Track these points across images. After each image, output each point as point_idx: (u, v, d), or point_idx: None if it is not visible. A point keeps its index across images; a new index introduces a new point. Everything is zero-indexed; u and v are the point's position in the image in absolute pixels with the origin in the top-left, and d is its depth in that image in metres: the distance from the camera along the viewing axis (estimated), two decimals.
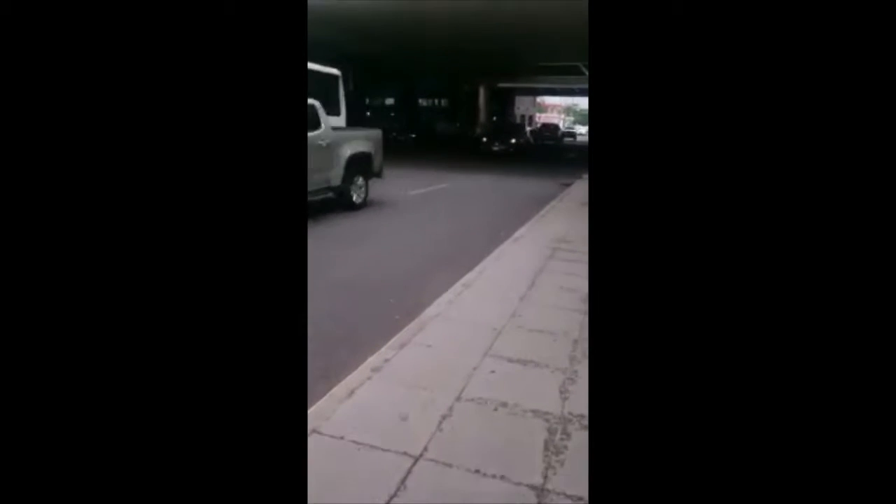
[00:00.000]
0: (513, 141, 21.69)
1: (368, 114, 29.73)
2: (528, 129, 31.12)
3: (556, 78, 31.20)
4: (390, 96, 31.96)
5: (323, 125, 6.52)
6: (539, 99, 53.90)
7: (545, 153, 23.81)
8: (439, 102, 36.04)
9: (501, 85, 35.45)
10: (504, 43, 17.92)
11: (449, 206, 8.26)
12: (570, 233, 5.91)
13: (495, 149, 21.12)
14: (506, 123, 31.79)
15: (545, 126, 37.49)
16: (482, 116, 36.72)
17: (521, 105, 48.12)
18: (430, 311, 3.33)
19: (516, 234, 5.84)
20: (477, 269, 4.38)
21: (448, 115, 32.20)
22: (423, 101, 37.14)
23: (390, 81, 28.57)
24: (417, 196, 9.12)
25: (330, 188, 6.76)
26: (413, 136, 25.62)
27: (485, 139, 22.16)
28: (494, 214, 7.66)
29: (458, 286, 3.86)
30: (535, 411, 2.15)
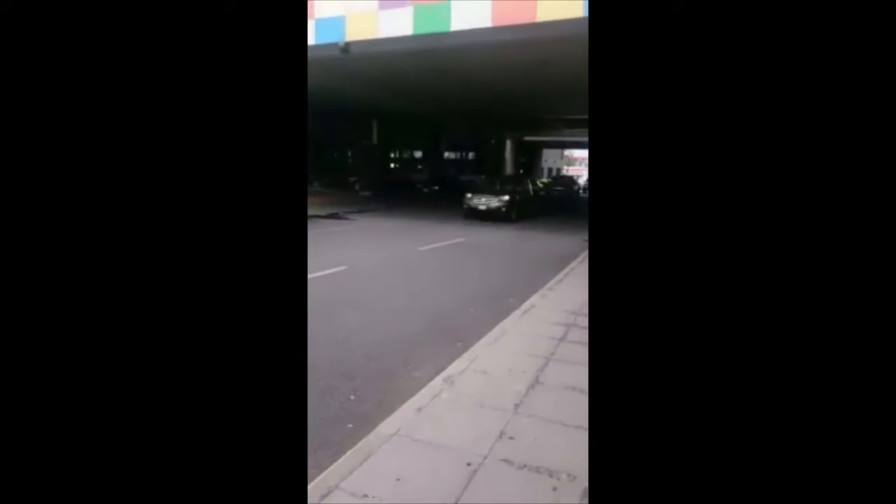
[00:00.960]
0: (505, 198, 14.36)
1: (394, 165, 29.81)
2: (540, 180, 28.23)
3: (583, 131, 30.92)
4: (417, 148, 32.05)
5: None
6: (567, 152, 53.72)
7: (565, 208, 22.51)
8: (466, 155, 36.05)
9: (528, 138, 35.32)
10: (528, 98, 17.70)
11: (457, 265, 7.48)
12: (588, 304, 5.00)
13: (481, 208, 14.19)
14: (499, 174, 24.76)
15: (559, 179, 34.11)
16: (508, 168, 36.52)
17: (549, 158, 48.01)
18: (389, 423, 2.47)
19: (527, 304, 4.99)
20: (469, 353, 3.52)
21: (475, 167, 31.99)
22: (450, 154, 37.32)
23: (418, 135, 28.64)
24: (426, 252, 8.38)
25: None
26: (437, 187, 25.26)
27: (468, 195, 14.80)
28: (507, 275, 6.83)
29: (437, 382, 3.00)
30: None
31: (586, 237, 11.38)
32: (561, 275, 6.51)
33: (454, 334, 4.15)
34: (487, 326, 4.19)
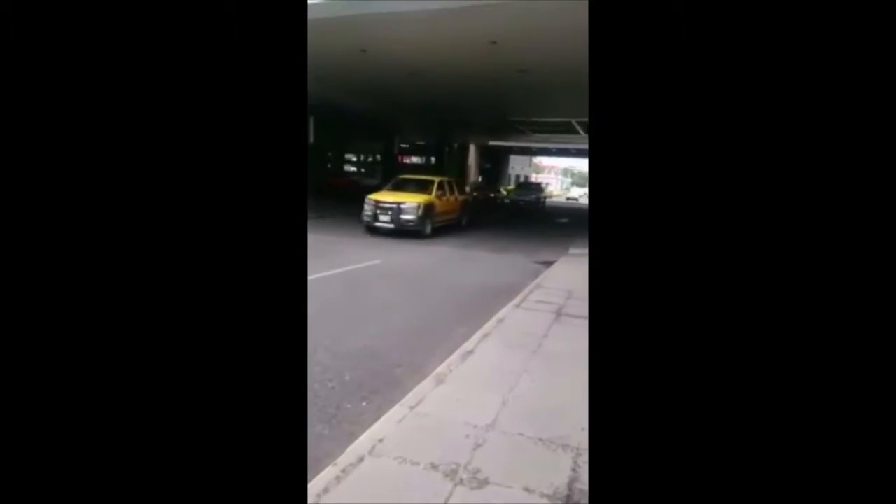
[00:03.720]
0: (408, 218, 10.17)
1: (347, 169, 27.32)
2: (504, 187, 25.11)
3: (553, 137, 29.12)
4: (371, 152, 29.62)
5: None
6: (536, 159, 52.09)
7: (527, 216, 20.46)
8: (429, 160, 33.79)
9: (493, 143, 33.38)
10: (493, 96, 15.65)
11: (346, 306, 5.14)
12: (525, 393, 2.74)
13: (377, 224, 10.50)
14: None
15: (524, 185, 31.39)
16: (472, 175, 34.39)
17: (517, 165, 46.26)
18: None
19: (412, 397, 2.69)
20: None
21: (436, 172, 29.80)
22: (411, 159, 35.06)
23: (371, 137, 26.20)
24: (318, 282, 5.99)
25: None
26: None
27: (367, 206, 10.81)
28: (410, 324, 4.54)
29: None
30: None
31: (543, 256, 9.30)
32: (487, 327, 4.26)
33: None
34: (336, 448, 1.91)
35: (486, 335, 3.98)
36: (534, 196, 26.20)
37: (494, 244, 10.68)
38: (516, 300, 5.30)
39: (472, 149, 34.73)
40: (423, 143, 33.49)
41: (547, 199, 28.93)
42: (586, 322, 3.90)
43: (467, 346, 3.70)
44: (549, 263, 8.22)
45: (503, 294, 5.73)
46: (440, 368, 3.22)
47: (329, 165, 21.87)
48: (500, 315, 4.66)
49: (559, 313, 4.81)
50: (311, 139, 18.56)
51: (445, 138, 30.00)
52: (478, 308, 5.12)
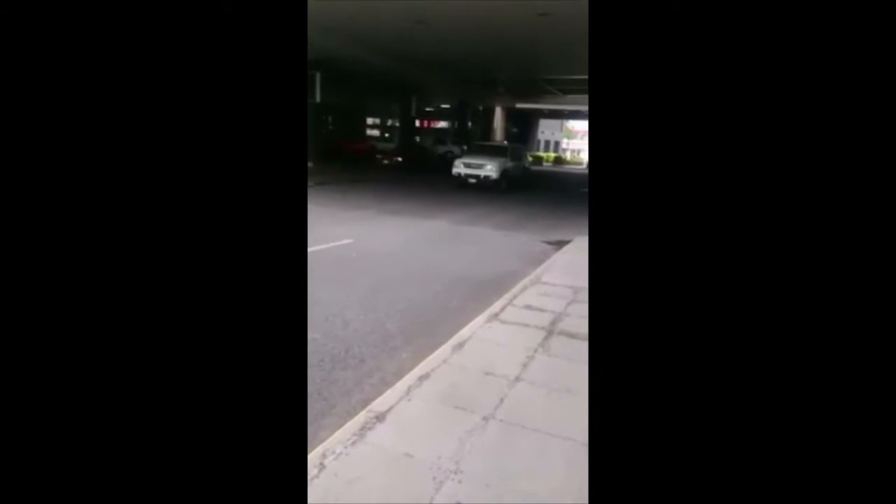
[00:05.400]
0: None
1: (370, 133, 25.73)
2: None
3: (585, 98, 26.72)
4: (389, 115, 27.84)
5: None
6: (569, 124, 49.20)
7: (546, 183, 17.81)
8: (454, 124, 31.80)
9: (521, 106, 31.11)
10: (516, 49, 13.73)
11: None
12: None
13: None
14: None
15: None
16: (498, 139, 32.36)
17: (547, 129, 43.76)
18: None
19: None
20: None
21: (460, 136, 27.84)
22: (437, 124, 33.09)
23: (387, 96, 24.41)
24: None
25: None
26: (399, 159, 21.24)
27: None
28: (364, 337, 3.11)
29: None
30: None
31: (553, 235, 7.70)
32: (469, 329, 2.80)
33: None
34: None
35: (421, 380, 2.52)
36: (497, 166, 13.22)
37: (504, 212, 9.07)
38: (522, 283, 3.78)
39: (498, 112, 32.52)
40: (446, 106, 31.48)
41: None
42: (587, 347, 2.43)
43: (376, 407, 2.25)
44: (558, 245, 6.64)
45: (508, 280, 4.23)
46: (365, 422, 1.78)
47: (330, 128, 19.97)
48: (463, 334, 3.18)
49: (552, 330, 3.30)
50: (318, 98, 17.13)
51: (468, 100, 27.84)
52: (477, 295, 3.64)
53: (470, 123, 30.21)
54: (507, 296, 4.03)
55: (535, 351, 2.95)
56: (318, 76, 17.39)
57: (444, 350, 2.88)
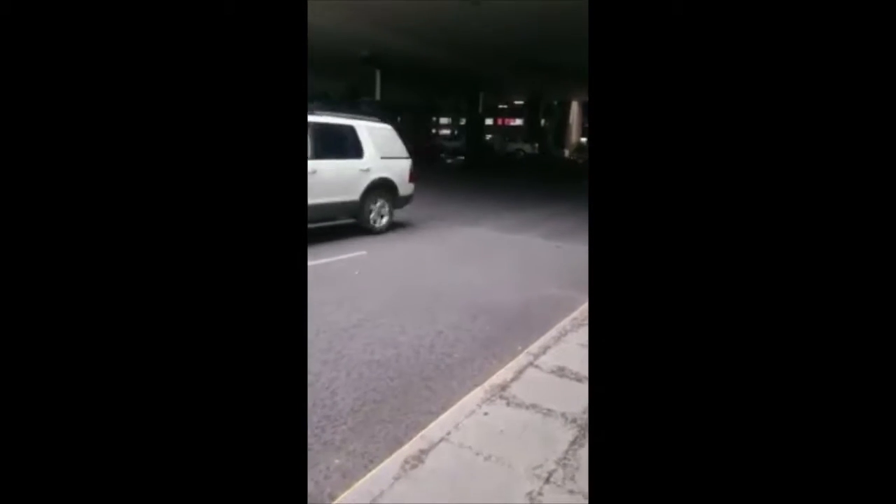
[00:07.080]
0: None
1: (435, 132, 24.92)
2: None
3: None
4: (453, 113, 26.79)
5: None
6: None
7: None
8: (535, 120, 30.19)
9: None
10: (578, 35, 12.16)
11: None
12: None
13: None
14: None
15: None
16: (573, 136, 30.36)
17: None
18: None
19: None
20: None
21: (531, 134, 26.25)
22: (513, 122, 31.61)
23: (452, 93, 23.38)
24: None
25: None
26: (461, 158, 20.12)
27: None
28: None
29: None
30: None
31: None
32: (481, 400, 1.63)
33: None
34: None
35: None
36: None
37: (524, 219, 7.64)
38: (510, 366, 2.52)
39: (574, 106, 30.48)
40: (520, 102, 29.91)
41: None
42: None
43: None
44: None
45: (550, 318, 2.97)
46: None
47: (399, 129, 19.34)
48: (432, 433, 1.96)
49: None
50: (377, 95, 16.40)
51: (539, 94, 26.10)
52: (499, 347, 2.45)
53: (543, 120, 28.43)
54: (537, 344, 2.76)
55: (549, 479, 1.66)
56: (377, 73, 16.72)
57: (387, 468, 1.68)
